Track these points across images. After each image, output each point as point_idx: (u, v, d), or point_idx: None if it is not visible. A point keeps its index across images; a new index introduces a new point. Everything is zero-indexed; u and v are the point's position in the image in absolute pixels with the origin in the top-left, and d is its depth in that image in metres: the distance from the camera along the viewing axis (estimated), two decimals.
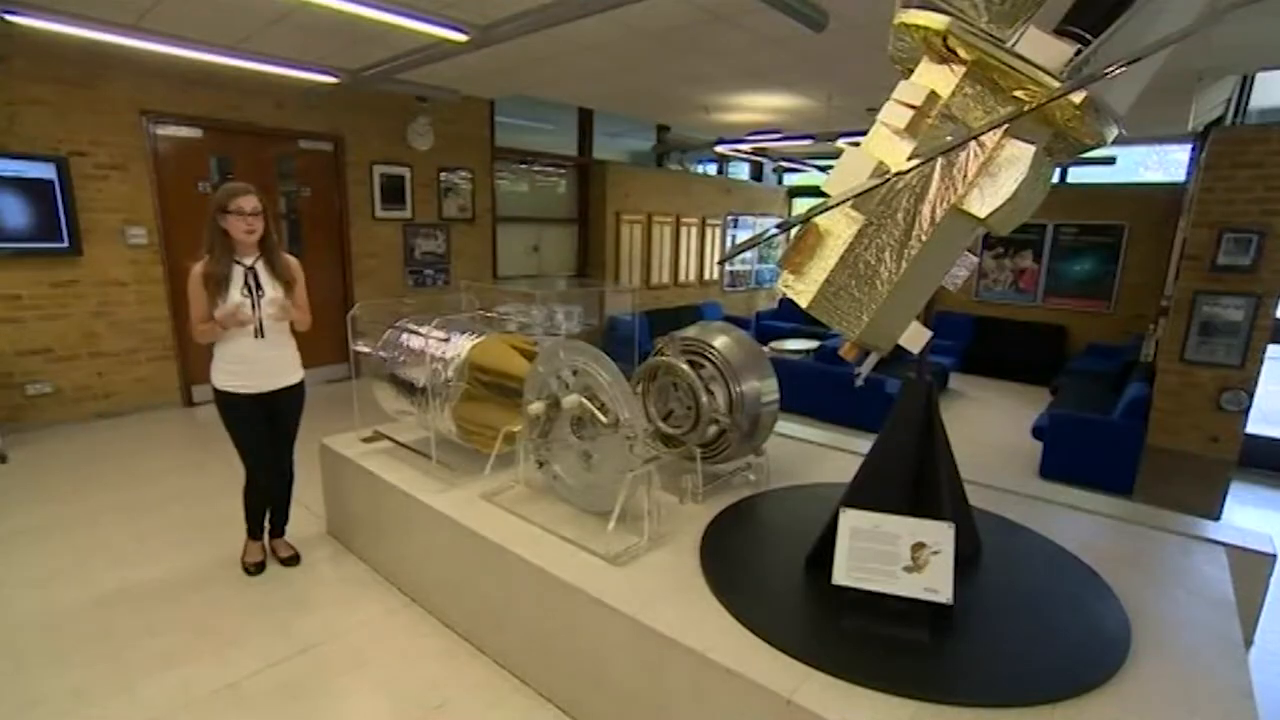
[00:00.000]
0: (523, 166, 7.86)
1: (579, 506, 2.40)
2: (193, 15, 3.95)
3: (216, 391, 2.67)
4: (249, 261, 2.60)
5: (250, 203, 2.53)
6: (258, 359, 2.65)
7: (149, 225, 5.03)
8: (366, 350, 3.16)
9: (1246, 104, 4.79)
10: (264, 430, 2.76)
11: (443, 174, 6.74)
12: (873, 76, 5.02)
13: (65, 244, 4.64)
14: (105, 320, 4.95)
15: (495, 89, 6.45)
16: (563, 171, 8.26)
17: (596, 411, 2.15)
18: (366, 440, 3.12)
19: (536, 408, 2.35)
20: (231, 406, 2.67)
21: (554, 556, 2.10)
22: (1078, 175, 8.45)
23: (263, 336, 2.63)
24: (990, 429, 5.89)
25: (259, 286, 2.61)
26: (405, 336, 2.99)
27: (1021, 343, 8.11)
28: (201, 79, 5.06)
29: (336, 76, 5.08)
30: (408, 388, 2.89)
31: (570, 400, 2.19)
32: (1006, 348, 8.06)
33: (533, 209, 8.01)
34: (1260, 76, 4.65)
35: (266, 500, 2.91)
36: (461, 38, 3.94)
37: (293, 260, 2.74)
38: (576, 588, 1.94)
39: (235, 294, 2.54)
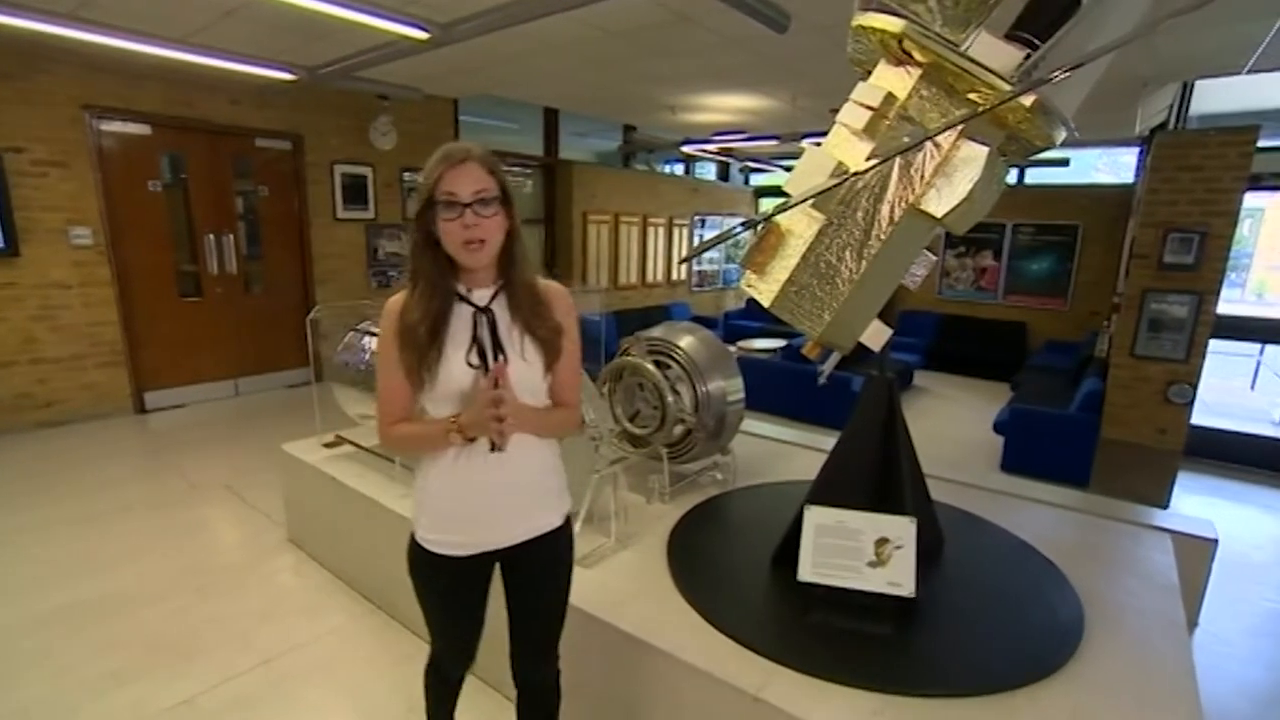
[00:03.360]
0: None
1: None
2: (138, 6, 3.82)
3: (412, 542, 1.44)
4: (483, 297, 1.34)
5: (469, 179, 1.24)
6: (490, 491, 1.37)
7: (94, 225, 4.84)
8: (327, 354, 3.10)
9: (1187, 110, 5.00)
10: (476, 606, 1.50)
11: (406, 174, 6.64)
12: (836, 78, 5.10)
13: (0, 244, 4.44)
14: (47, 324, 4.75)
15: (459, 88, 6.38)
16: (529, 171, 8.21)
17: None
18: (328, 445, 3.06)
19: None
20: (427, 566, 1.43)
21: None
22: (1034, 176, 8.72)
23: (503, 449, 1.33)
24: (954, 424, 6.03)
25: (497, 346, 1.32)
26: (367, 339, 2.95)
27: (984, 340, 8.33)
28: (150, 73, 4.90)
29: (293, 73, 4.96)
30: (370, 390, 2.84)
31: None
32: (969, 345, 8.26)
33: None
34: (1199, 84, 4.86)
35: (451, 698, 1.68)
36: (422, 35, 3.89)
37: (555, 287, 1.43)
38: None
39: (456, 363, 1.30)
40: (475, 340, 1.32)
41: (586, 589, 1.92)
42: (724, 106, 6.68)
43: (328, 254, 6.21)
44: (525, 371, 1.33)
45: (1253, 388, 8.33)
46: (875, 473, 1.89)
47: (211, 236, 5.48)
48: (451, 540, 1.39)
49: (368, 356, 2.89)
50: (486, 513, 1.38)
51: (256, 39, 4.38)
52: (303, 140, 5.88)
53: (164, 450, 4.43)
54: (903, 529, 1.70)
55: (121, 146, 4.96)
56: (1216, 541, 2.68)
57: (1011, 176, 8.63)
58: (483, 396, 1.26)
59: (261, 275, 5.86)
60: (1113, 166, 9.82)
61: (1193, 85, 4.91)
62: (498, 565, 1.48)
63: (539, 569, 1.48)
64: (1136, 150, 7.68)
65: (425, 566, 1.43)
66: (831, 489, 1.88)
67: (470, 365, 1.31)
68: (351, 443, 3.05)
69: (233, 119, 5.45)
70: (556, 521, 1.47)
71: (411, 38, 3.94)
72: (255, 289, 5.83)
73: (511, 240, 1.33)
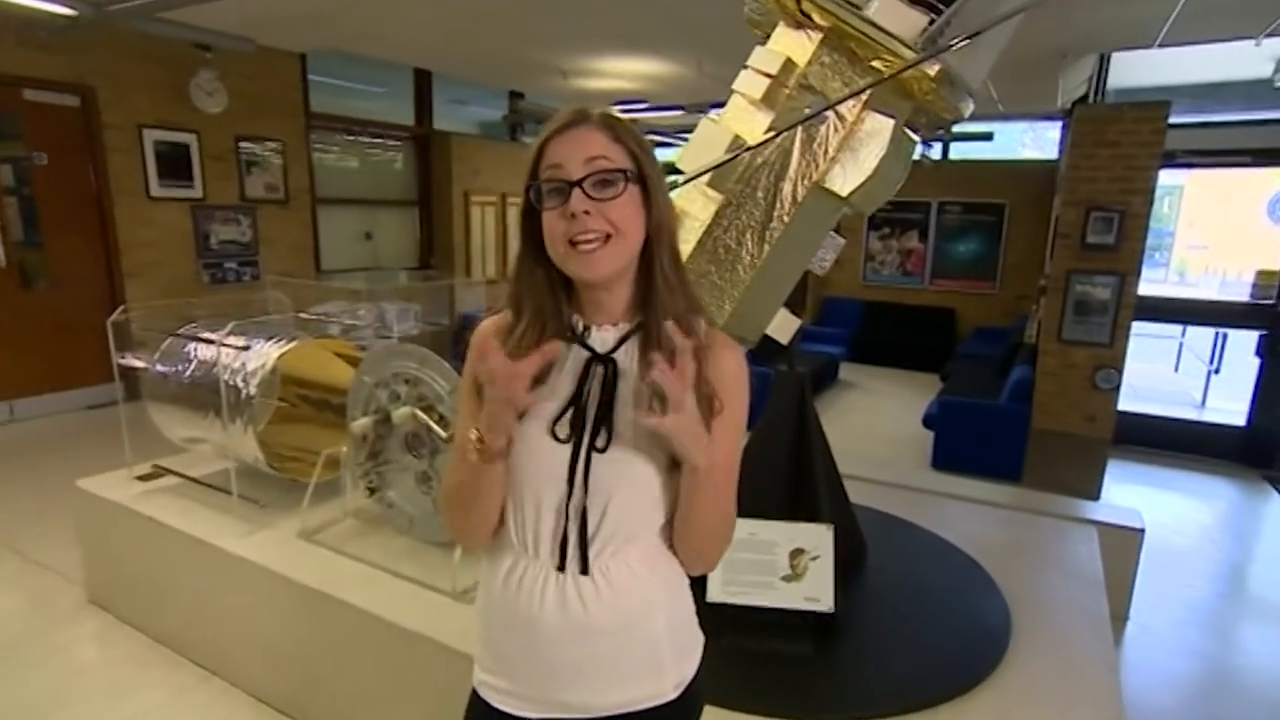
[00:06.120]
0: (349, 138, 7.52)
1: (420, 538, 2.35)
2: None
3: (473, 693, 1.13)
4: (606, 340, 1.01)
5: (582, 145, 0.93)
6: (549, 634, 1.02)
7: None
8: (140, 365, 2.90)
9: (1105, 83, 5.53)
10: None
11: (243, 144, 6.30)
12: (746, 41, 5.27)
13: None
14: None
15: (305, 40, 6.11)
16: (398, 144, 8.00)
17: (434, 425, 2.11)
18: (144, 478, 2.87)
19: (362, 425, 2.27)
20: None
21: (390, 599, 2.05)
22: (959, 151, 9.36)
23: (584, 573, 1.01)
24: (883, 420, 6.39)
25: (605, 415, 0.99)
26: (192, 346, 2.79)
27: (912, 328, 8.86)
28: None
29: (70, 6, 4.47)
30: (199, 408, 2.69)
31: (402, 414, 2.14)
32: (897, 334, 8.77)
33: (363, 189, 7.71)
34: (1115, 57, 5.39)
35: None
36: None
37: (720, 338, 1.04)
38: (417, 633, 1.90)
39: (534, 432, 0.99)
40: (575, 401, 0.98)
41: (468, 627, 1.90)
42: (623, 72, 6.76)
43: (141, 241, 5.76)
44: (645, 461, 0.98)
45: (1176, 370, 9.32)
46: (788, 478, 1.98)
47: None
48: (508, 689, 1.05)
49: (193, 367, 2.74)
50: (549, 666, 1.02)
51: None
52: (95, 95, 5.39)
53: None
54: (819, 538, 1.79)
55: None
56: (1143, 531, 2.99)
57: (935, 152, 9.27)
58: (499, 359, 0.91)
59: (45, 267, 5.35)
60: (1039, 141, 10.67)
61: (1109, 58, 5.44)
62: None
63: None
64: (1060, 125, 8.39)
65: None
66: (741, 498, 1.94)
67: (556, 438, 0.97)
68: (174, 473, 2.88)
69: None
70: (668, 691, 1.07)
71: None
72: (38, 284, 5.32)
73: (654, 249, 0.98)
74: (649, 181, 0.96)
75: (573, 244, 0.92)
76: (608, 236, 0.93)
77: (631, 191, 0.94)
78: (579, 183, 0.91)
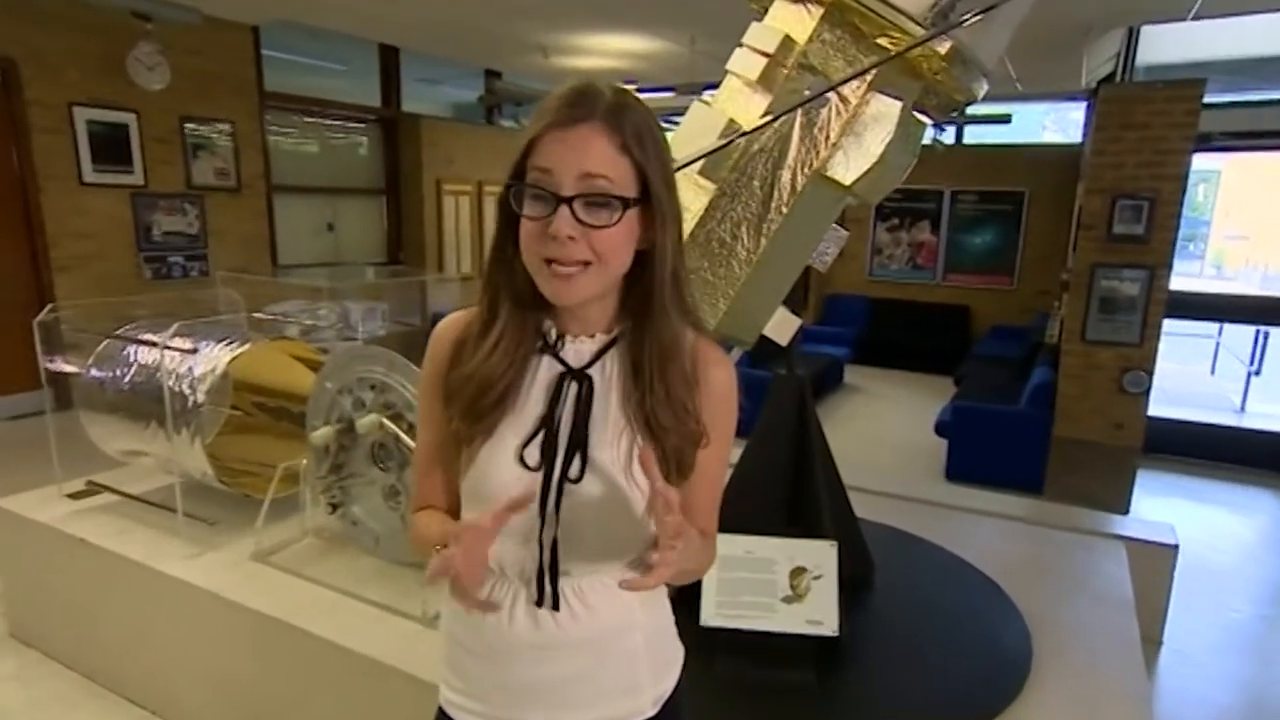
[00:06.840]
0: (308, 120, 7.52)
1: (387, 558, 2.36)
2: None
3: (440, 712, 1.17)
4: (581, 353, 1.00)
5: (580, 152, 0.87)
6: (521, 654, 1.05)
7: None
8: (71, 370, 2.89)
9: (1133, 60, 5.60)
10: None
11: (189, 125, 6.30)
12: (744, 14, 5.30)
13: None
14: None
15: (257, 11, 6.10)
16: (362, 127, 8.01)
17: (402, 435, 2.12)
18: (75, 496, 2.86)
19: (323, 435, 2.28)
20: None
21: (354, 626, 2.05)
22: (974, 135, 9.43)
23: (555, 608, 1.02)
24: (891, 427, 6.43)
25: (579, 441, 0.98)
26: (132, 349, 2.78)
27: (923, 327, 8.93)
28: None
29: None
30: (140, 418, 2.68)
31: (367, 423, 2.14)
32: (906, 333, 8.84)
33: (324, 176, 7.73)
34: (1145, 31, 5.44)
35: None
36: None
37: (713, 355, 1.04)
38: (384, 663, 1.90)
39: (502, 455, 0.98)
40: (547, 424, 0.97)
41: (438, 656, 1.91)
42: (608, 49, 6.78)
43: (73, 232, 5.75)
44: (624, 491, 0.97)
45: (1212, 372, 9.41)
46: (787, 490, 2.00)
47: None
48: (478, 710, 1.08)
49: (133, 372, 2.73)
50: (521, 684, 1.05)
51: None
52: (16, 68, 5.35)
53: None
54: (822, 555, 1.81)
55: None
56: (1177, 548, 3.02)
57: (948, 136, 9.34)
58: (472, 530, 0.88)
59: None
60: (1061, 124, 10.77)
61: (1138, 32, 5.50)
62: None
63: None
64: (1084, 106, 8.48)
65: None
66: (737, 512, 1.95)
67: (525, 465, 0.96)
68: (111, 490, 2.86)
69: None
70: (646, 708, 1.09)
71: None
72: None
73: (652, 265, 0.95)
74: (655, 199, 0.92)
75: (546, 261, 0.90)
76: (583, 264, 0.90)
77: (629, 216, 0.91)
78: (568, 200, 0.87)
